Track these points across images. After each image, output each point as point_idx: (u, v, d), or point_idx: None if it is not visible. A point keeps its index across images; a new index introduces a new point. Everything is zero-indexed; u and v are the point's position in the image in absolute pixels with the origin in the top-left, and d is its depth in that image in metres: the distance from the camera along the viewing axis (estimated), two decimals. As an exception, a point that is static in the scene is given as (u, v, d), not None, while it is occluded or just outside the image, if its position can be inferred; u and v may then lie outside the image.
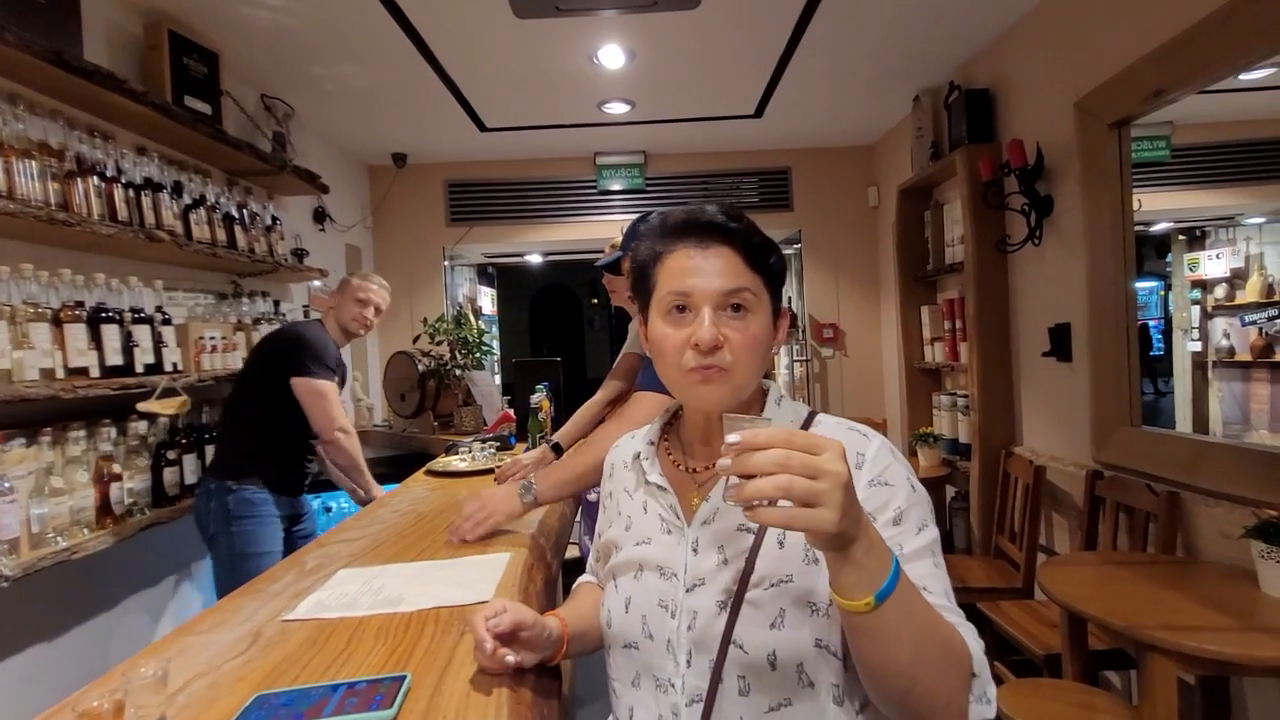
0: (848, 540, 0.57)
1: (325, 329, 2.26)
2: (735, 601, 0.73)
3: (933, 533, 0.73)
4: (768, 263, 0.80)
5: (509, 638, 0.79)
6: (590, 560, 1.02)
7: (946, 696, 0.63)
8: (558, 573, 1.47)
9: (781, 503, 0.55)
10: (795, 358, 4.44)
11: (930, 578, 0.70)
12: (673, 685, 0.76)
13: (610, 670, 0.85)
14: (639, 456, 0.89)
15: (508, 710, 0.70)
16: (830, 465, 0.55)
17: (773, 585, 0.73)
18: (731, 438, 0.56)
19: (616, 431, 1.42)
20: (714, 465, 0.79)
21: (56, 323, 1.71)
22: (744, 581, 0.73)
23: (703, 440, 0.85)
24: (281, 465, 2.15)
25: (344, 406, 2.35)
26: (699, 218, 0.79)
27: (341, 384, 2.36)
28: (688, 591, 0.77)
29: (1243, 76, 1.87)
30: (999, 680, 2.07)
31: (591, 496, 1.67)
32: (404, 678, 0.75)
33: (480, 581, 1.08)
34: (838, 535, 0.56)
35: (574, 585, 1.04)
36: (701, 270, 0.77)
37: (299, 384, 2.07)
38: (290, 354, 2.11)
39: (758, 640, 0.72)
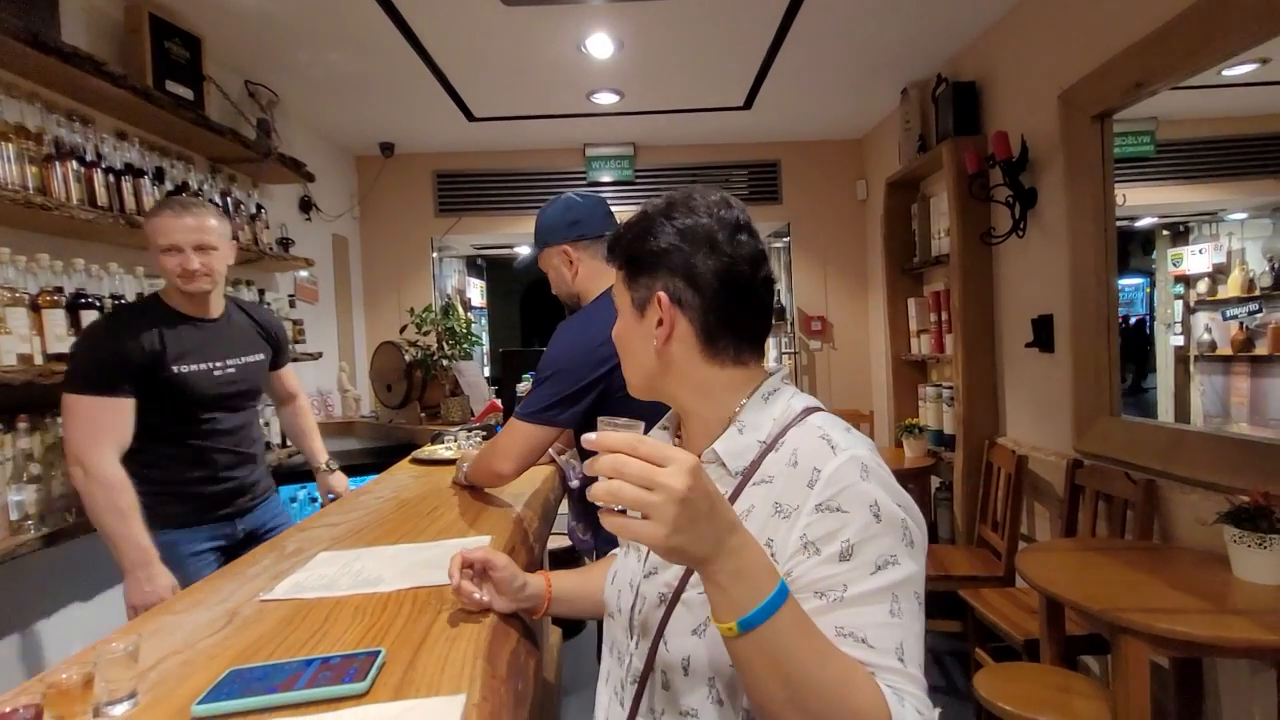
0: (695, 558, 0.55)
1: (150, 308, 1.68)
2: (673, 597, 0.73)
3: (899, 573, 0.63)
4: (625, 258, 0.80)
5: (481, 576, 0.89)
6: None
7: None
8: (541, 557, 1.47)
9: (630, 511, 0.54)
10: (783, 350, 4.46)
11: (877, 628, 0.61)
12: (625, 660, 0.79)
13: (604, 632, 0.90)
14: None
15: (480, 684, 0.71)
16: (666, 479, 0.52)
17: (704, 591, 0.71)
18: (588, 436, 0.56)
19: (484, 463, 1.48)
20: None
21: (35, 308, 1.69)
22: (684, 579, 0.72)
23: (689, 432, 0.83)
24: (177, 495, 1.65)
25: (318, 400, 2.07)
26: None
27: (278, 362, 1.96)
28: (644, 577, 0.78)
29: (1226, 73, 1.89)
30: (978, 665, 2.10)
31: (573, 484, 1.67)
32: (378, 653, 0.75)
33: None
34: (671, 550, 0.54)
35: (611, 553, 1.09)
36: None
37: (62, 400, 1.53)
38: (68, 361, 1.60)
39: (679, 642, 0.71)
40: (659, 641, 0.72)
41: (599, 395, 1.39)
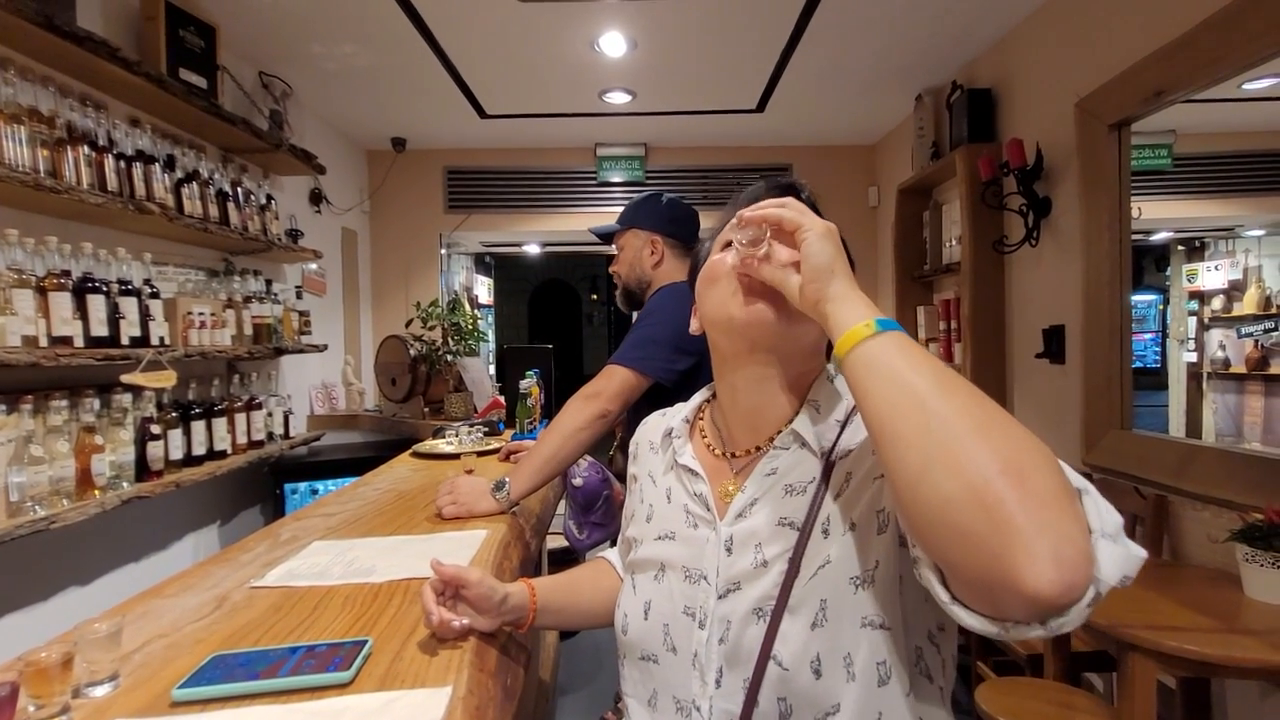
0: (836, 272, 0.58)
1: None
2: (776, 610, 0.62)
3: None
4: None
5: (454, 597, 0.79)
6: (620, 542, 0.92)
7: (1044, 489, 0.45)
8: (538, 554, 1.45)
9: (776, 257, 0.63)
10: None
11: None
12: (697, 708, 0.65)
13: (623, 683, 0.76)
14: (670, 434, 0.79)
15: (468, 677, 0.69)
16: (813, 218, 0.60)
17: (811, 578, 0.62)
18: (743, 212, 0.64)
19: (575, 409, 1.32)
20: (755, 450, 0.72)
21: (41, 291, 1.69)
22: (787, 587, 0.63)
23: (746, 423, 0.73)
24: None
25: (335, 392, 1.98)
26: (772, 184, 0.77)
27: None
28: (720, 598, 0.66)
29: (1245, 86, 1.86)
30: (979, 679, 2.07)
31: (576, 481, 1.66)
32: (365, 642, 0.74)
33: (454, 556, 1.07)
34: (831, 258, 0.58)
35: (591, 556, 1.00)
36: None
37: None
38: None
39: (799, 649, 0.61)
40: (765, 666, 0.62)
41: (693, 366, 1.33)
